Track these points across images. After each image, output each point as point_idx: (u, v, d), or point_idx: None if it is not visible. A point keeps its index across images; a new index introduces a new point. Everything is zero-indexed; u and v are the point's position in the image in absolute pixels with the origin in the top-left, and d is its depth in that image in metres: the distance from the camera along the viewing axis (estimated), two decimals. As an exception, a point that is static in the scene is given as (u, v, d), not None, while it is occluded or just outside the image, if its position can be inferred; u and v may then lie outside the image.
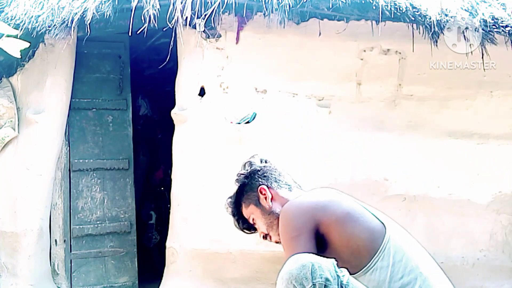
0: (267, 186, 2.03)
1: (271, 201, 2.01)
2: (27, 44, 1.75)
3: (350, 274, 1.71)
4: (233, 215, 2.11)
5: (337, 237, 1.79)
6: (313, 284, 1.61)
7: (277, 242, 2.00)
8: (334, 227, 1.80)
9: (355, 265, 1.76)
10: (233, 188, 2.11)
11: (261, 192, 2.02)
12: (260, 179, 2.05)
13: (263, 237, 2.04)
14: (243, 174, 2.09)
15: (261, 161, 2.12)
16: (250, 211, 2.05)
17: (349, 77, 3.99)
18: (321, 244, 1.80)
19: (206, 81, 3.94)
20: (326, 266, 1.64)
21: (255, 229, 2.09)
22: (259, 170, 2.07)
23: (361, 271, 1.76)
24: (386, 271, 1.74)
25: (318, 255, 1.72)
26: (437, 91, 4.01)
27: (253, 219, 2.06)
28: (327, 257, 1.71)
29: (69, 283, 4.20)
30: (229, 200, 2.11)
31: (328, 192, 1.93)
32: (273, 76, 3.95)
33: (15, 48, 1.75)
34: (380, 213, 1.88)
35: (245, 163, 2.13)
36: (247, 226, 2.10)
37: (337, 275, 1.63)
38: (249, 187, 2.06)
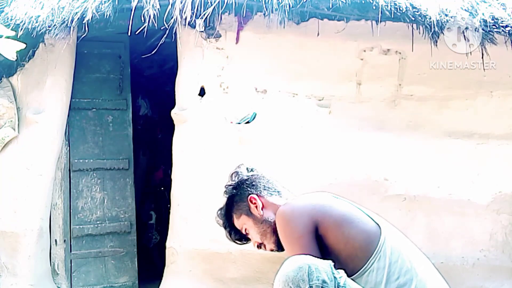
0: (257, 195, 2.01)
1: (262, 210, 2.00)
2: (22, 46, 1.73)
3: (348, 276, 1.71)
4: (225, 227, 2.10)
5: (334, 239, 1.79)
6: (310, 286, 1.60)
7: (272, 250, 1.99)
8: (331, 229, 1.80)
9: (352, 267, 1.76)
10: (223, 199, 2.10)
11: (251, 202, 2.01)
12: (249, 189, 2.03)
13: (257, 246, 2.03)
14: (231, 185, 2.07)
15: (248, 170, 2.10)
16: (242, 222, 2.04)
17: (349, 77, 3.99)
18: (319, 246, 1.80)
19: (206, 81, 3.94)
20: (323, 268, 1.64)
21: (247, 240, 2.08)
22: (246, 180, 2.06)
23: (358, 273, 1.76)
24: (382, 272, 1.74)
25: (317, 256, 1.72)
26: (437, 91, 4.01)
27: (245, 229, 2.04)
28: (325, 259, 1.71)
29: (69, 283, 4.20)
30: (219, 212, 2.09)
31: (323, 195, 1.93)
32: (273, 76, 3.95)
33: (10, 49, 1.72)
34: (375, 215, 1.88)
35: (232, 174, 2.10)
36: (239, 237, 2.09)
37: (334, 277, 1.63)
38: (238, 198, 2.04)
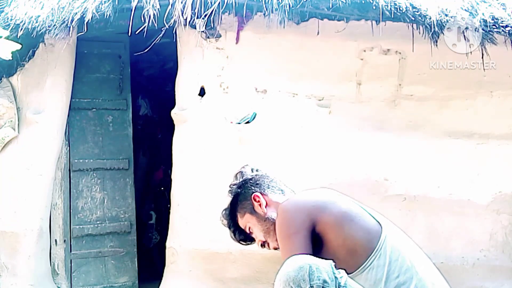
0: (261, 193, 2.03)
1: (265, 207, 2.01)
2: (18, 46, 1.73)
3: (347, 273, 1.71)
4: (229, 227, 2.11)
5: (334, 236, 1.80)
6: (310, 286, 1.60)
7: (275, 249, 2.00)
8: (331, 226, 1.80)
9: (352, 265, 1.76)
10: (227, 198, 2.11)
11: (254, 200, 2.02)
12: (252, 187, 2.05)
13: (261, 245, 2.05)
14: (235, 185, 2.09)
15: (252, 170, 2.13)
16: (246, 220, 2.05)
17: (349, 77, 3.99)
18: (317, 243, 1.80)
19: (206, 81, 3.94)
20: (324, 267, 1.64)
21: (251, 240, 2.09)
22: (251, 179, 2.08)
23: (357, 270, 1.76)
24: (382, 270, 1.75)
25: (314, 254, 1.72)
26: (437, 91, 4.01)
27: (249, 228, 2.06)
28: (324, 257, 1.71)
29: (69, 283, 4.20)
30: (224, 212, 2.11)
31: (325, 191, 1.93)
32: (273, 76, 3.95)
33: (6, 50, 1.72)
34: (376, 213, 1.88)
35: (237, 174, 2.13)
36: (243, 237, 2.10)
37: (335, 277, 1.63)
38: (242, 197, 2.06)
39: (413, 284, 1.73)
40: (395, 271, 1.75)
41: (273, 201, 2.02)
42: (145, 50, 3.98)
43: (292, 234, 1.80)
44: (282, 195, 2.05)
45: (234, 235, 2.11)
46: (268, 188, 2.06)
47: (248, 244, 2.12)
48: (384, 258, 1.76)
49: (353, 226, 1.80)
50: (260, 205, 2.02)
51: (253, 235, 2.06)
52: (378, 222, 1.83)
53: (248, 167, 2.14)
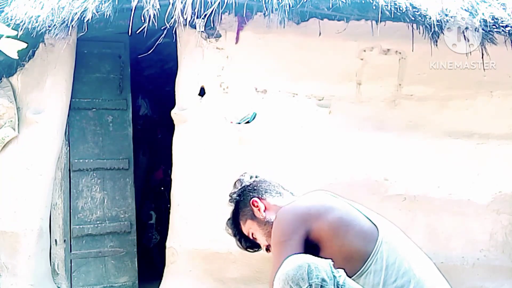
0: (259, 198, 2.06)
1: (264, 212, 2.03)
2: (24, 45, 1.74)
3: None
4: (234, 236, 2.15)
5: (330, 243, 1.80)
6: (309, 285, 1.62)
7: None
8: (326, 233, 1.81)
9: (349, 270, 1.75)
10: (227, 198, 2.14)
11: (253, 205, 2.05)
12: (251, 193, 2.08)
13: (266, 249, 2.06)
14: (235, 193, 2.12)
15: (250, 177, 2.15)
16: (248, 227, 2.08)
17: (349, 77, 3.99)
18: (313, 250, 1.80)
19: (206, 81, 3.94)
20: (323, 266, 1.64)
21: (257, 247, 2.12)
22: (249, 185, 2.11)
23: (355, 275, 1.76)
24: (379, 274, 1.75)
25: None
26: (437, 91, 4.01)
27: (252, 234, 2.08)
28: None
29: (69, 283, 4.20)
30: (228, 221, 2.14)
31: (321, 196, 1.94)
32: (273, 76, 3.95)
33: (12, 48, 1.73)
34: (373, 214, 1.88)
35: (235, 182, 2.16)
36: (250, 245, 2.13)
37: (334, 276, 1.64)
38: (242, 204, 2.09)
39: (411, 287, 1.73)
40: (393, 275, 1.75)
41: (271, 204, 2.05)
42: (149, 52, 3.98)
43: (284, 241, 1.81)
44: (280, 197, 2.07)
45: (240, 243, 2.14)
46: (266, 192, 2.08)
47: (255, 251, 2.15)
48: (381, 263, 1.76)
49: (349, 233, 1.80)
50: (259, 209, 2.04)
51: (257, 241, 2.08)
52: (374, 224, 1.83)
53: (247, 175, 2.17)
